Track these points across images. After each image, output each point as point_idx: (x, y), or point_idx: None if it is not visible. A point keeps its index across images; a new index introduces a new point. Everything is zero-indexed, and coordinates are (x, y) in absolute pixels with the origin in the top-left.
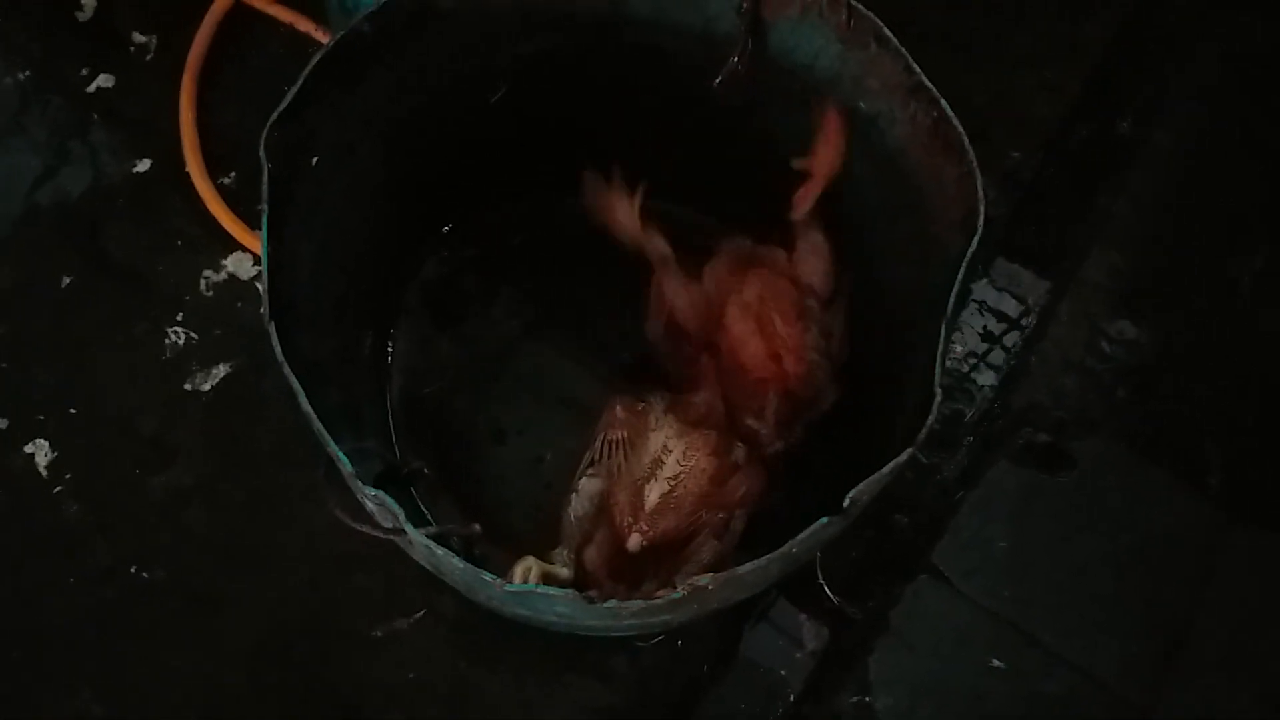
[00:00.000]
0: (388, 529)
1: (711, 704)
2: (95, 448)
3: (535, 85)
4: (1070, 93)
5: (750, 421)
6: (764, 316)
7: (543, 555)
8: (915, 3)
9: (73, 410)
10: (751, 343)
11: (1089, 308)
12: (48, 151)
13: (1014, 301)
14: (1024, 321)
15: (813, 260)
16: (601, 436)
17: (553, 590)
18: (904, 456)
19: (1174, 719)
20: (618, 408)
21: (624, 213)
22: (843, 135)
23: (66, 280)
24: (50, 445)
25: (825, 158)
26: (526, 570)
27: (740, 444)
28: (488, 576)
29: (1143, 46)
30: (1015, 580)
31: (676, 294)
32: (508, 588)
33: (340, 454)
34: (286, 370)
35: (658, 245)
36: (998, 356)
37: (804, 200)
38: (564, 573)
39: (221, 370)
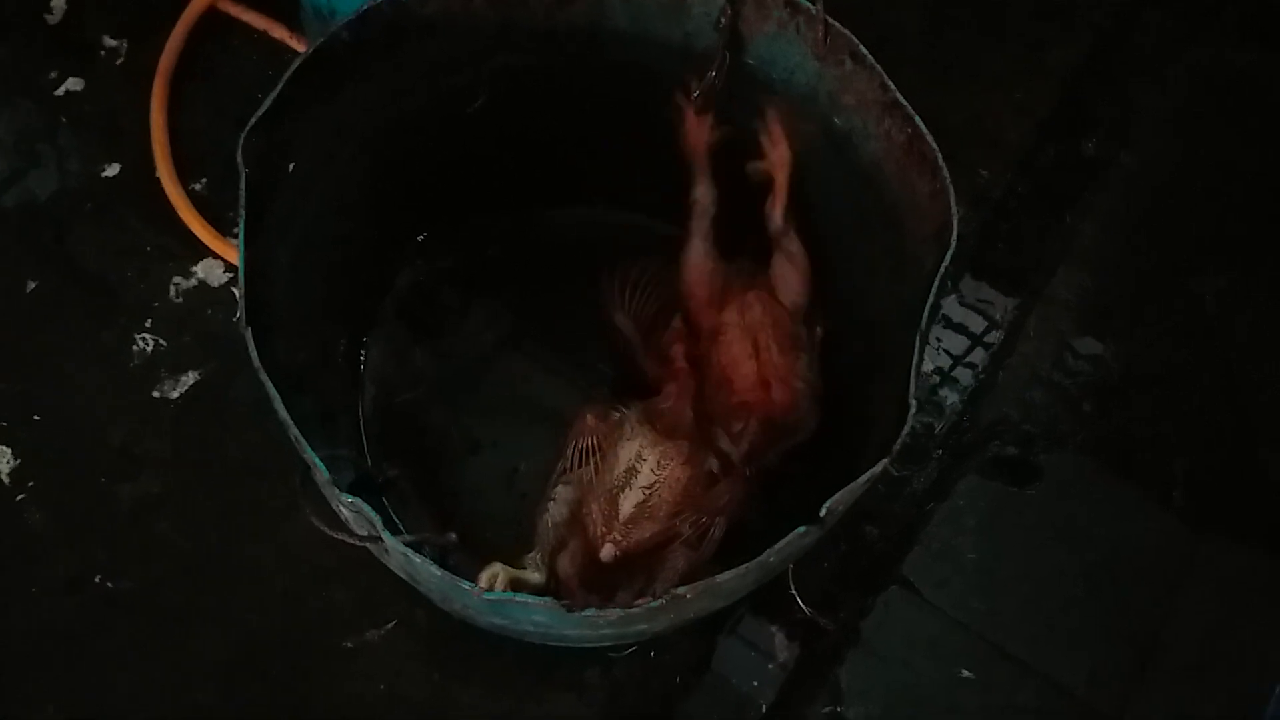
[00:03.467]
0: (363, 536)
1: (684, 715)
2: (60, 455)
3: (514, 97)
4: (1040, 114)
5: (722, 443)
6: (760, 342)
7: (513, 562)
8: (890, 25)
9: (37, 417)
10: (745, 365)
11: (1056, 324)
12: (14, 155)
13: (982, 319)
14: (992, 338)
15: (789, 271)
16: (573, 445)
17: (530, 598)
18: (879, 467)
19: None
20: (588, 416)
21: (698, 135)
22: (787, 126)
23: (32, 285)
24: (13, 452)
25: (778, 154)
26: (493, 577)
27: (712, 454)
28: (465, 584)
29: (1111, 70)
30: (985, 591)
31: (699, 268)
32: (486, 595)
33: (317, 460)
34: (263, 376)
35: (705, 191)
36: (966, 372)
37: (775, 205)
38: (535, 577)
39: (191, 378)
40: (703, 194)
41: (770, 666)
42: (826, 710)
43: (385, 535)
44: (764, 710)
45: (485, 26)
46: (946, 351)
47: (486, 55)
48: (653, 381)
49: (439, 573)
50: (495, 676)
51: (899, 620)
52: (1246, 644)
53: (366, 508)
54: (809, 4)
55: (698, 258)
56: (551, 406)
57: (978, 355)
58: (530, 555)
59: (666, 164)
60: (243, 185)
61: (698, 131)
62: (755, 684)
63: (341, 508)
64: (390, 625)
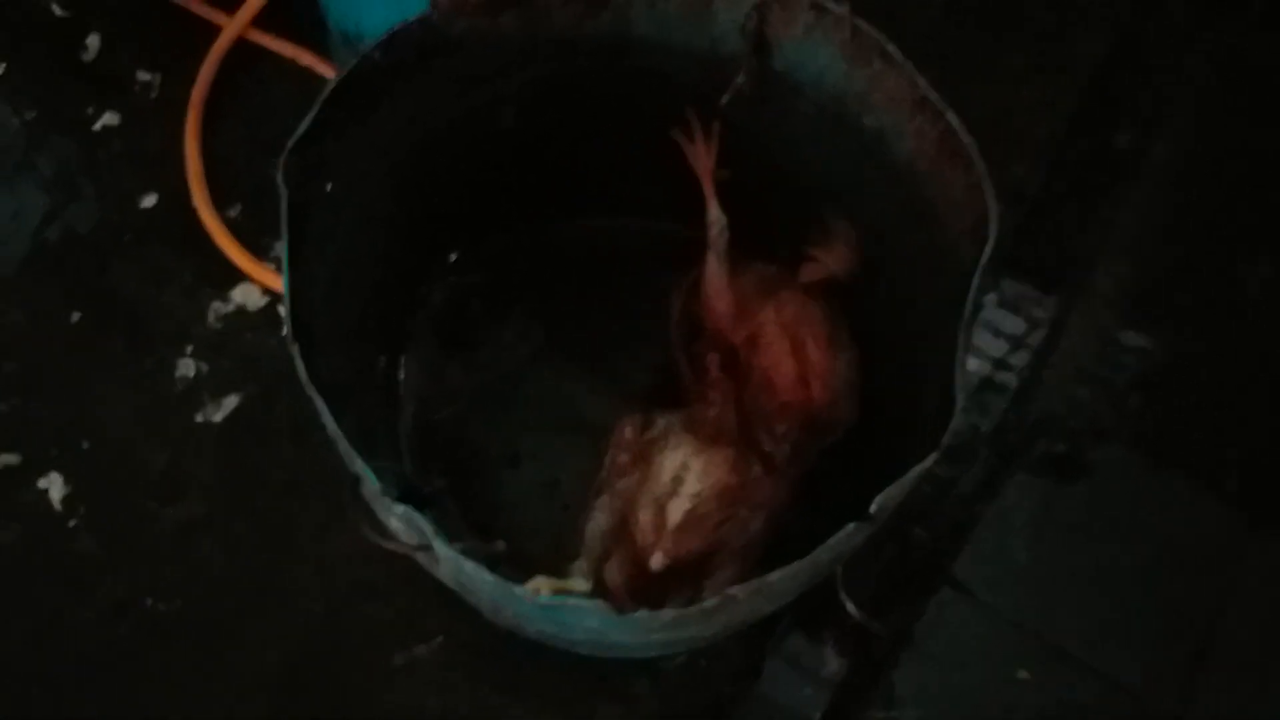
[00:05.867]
0: (414, 545)
1: None
2: (108, 481)
3: (542, 111)
4: (1068, 108)
5: (766, 444)
6: (798, 340)
7: (558, 572)
8: (912, 24)
9: (85, 445)
10: (785, 364)
11: (1098, 318)
12: (55, 189)
13: (1022, 318)
14: (1034, 336)
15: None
16: (609, 458)
17: (584, 603)
18: (928, 461)
19: None
20: (626, 429)
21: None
22: (855, 249)
23: (76, 316)
24: (64, 480)
25: (835, 261)
26: (535, 591)
27: (756, 459)
28: (518, 590)
29: (1137, 60)
30: (1037, 590)
31: (717, 284)
32: (539, 599)
33: (368, 471)
34: (311, 391)
35: (716, 214)
36: (1010, 370)
37: (807, 277)
38: (581, 586)
39: (232, 401)
40: (714, 217)
41: (822, 672)
42: (882, 715)
43: (437, 543)
44: (818, 718)
45: (512, 41)
46: (988, 353)
47: (513, 70)
48: (691, 392)
49: (491, 579)
50: (544, 690)
51: (952, 622)
52: None
53: (418, 516)
54: (835, 6)
55: (714, 274)
56: (589, 416)
57: (1021, 353)
58: (576, 564)
59: (691, 171)
60: (284, 206)
61: (702, 158)
62: (808, 691)
63: (392, 518)
64: (438, 641)
